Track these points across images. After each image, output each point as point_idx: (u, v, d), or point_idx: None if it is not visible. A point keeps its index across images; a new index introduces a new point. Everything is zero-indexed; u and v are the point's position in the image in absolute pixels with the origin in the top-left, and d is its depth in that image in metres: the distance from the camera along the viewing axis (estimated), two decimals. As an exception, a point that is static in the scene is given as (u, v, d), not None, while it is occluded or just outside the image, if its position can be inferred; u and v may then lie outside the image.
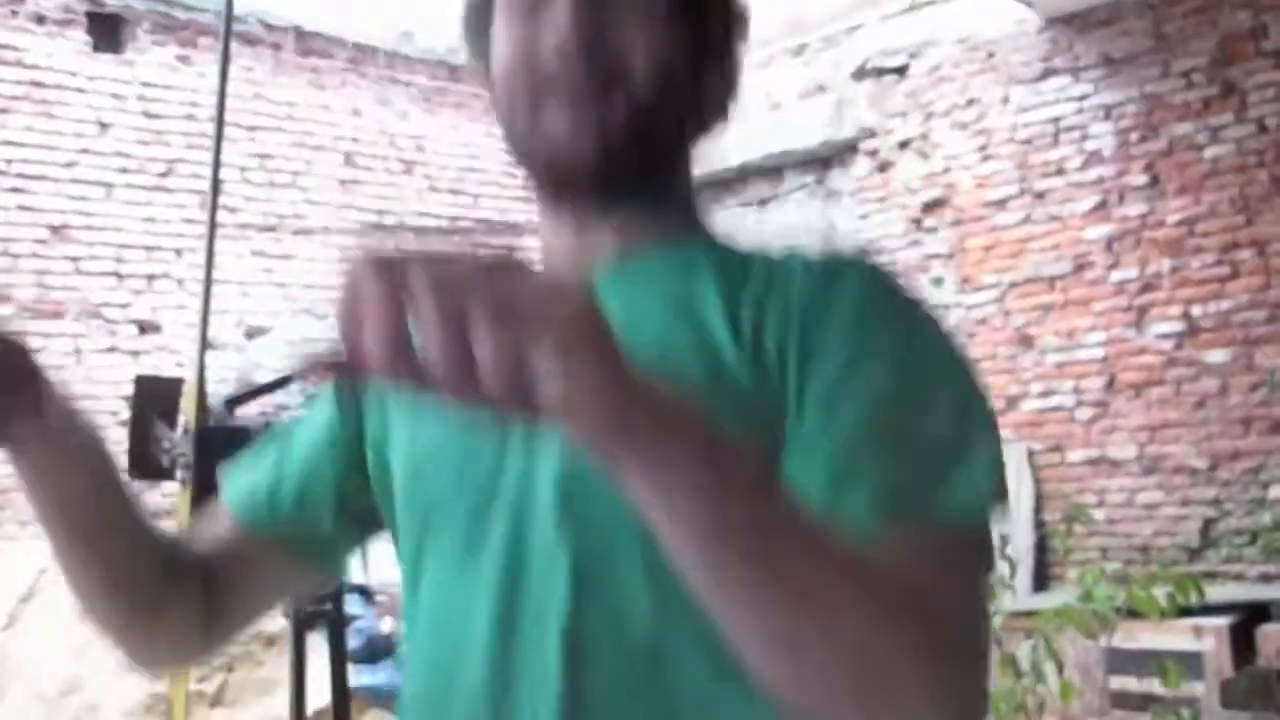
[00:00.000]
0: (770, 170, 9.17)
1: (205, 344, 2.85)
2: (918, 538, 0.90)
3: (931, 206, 8.08)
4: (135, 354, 7.56)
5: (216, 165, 2.94)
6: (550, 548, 1.04)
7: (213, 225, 2.89)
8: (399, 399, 1.14)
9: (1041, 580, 7.25)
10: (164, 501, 7.05)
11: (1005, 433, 7.50)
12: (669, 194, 1.15)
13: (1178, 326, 7.05)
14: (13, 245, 7.31)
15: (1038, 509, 7.35)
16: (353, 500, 1.21)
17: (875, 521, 0.91)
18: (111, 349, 7.56)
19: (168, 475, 3.01)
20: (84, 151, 7.61)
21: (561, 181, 1.11)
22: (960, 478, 0.94)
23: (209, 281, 2.83)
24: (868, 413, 0.96)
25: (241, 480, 1.26)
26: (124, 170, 7.75)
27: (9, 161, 7.34)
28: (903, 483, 0.93)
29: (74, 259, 7.51)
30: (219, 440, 2.74)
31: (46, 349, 7.33)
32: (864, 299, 1.03)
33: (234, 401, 2.94)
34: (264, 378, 5.42)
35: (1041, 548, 7.31)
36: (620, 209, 1.12)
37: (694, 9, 1.12)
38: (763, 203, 9.29)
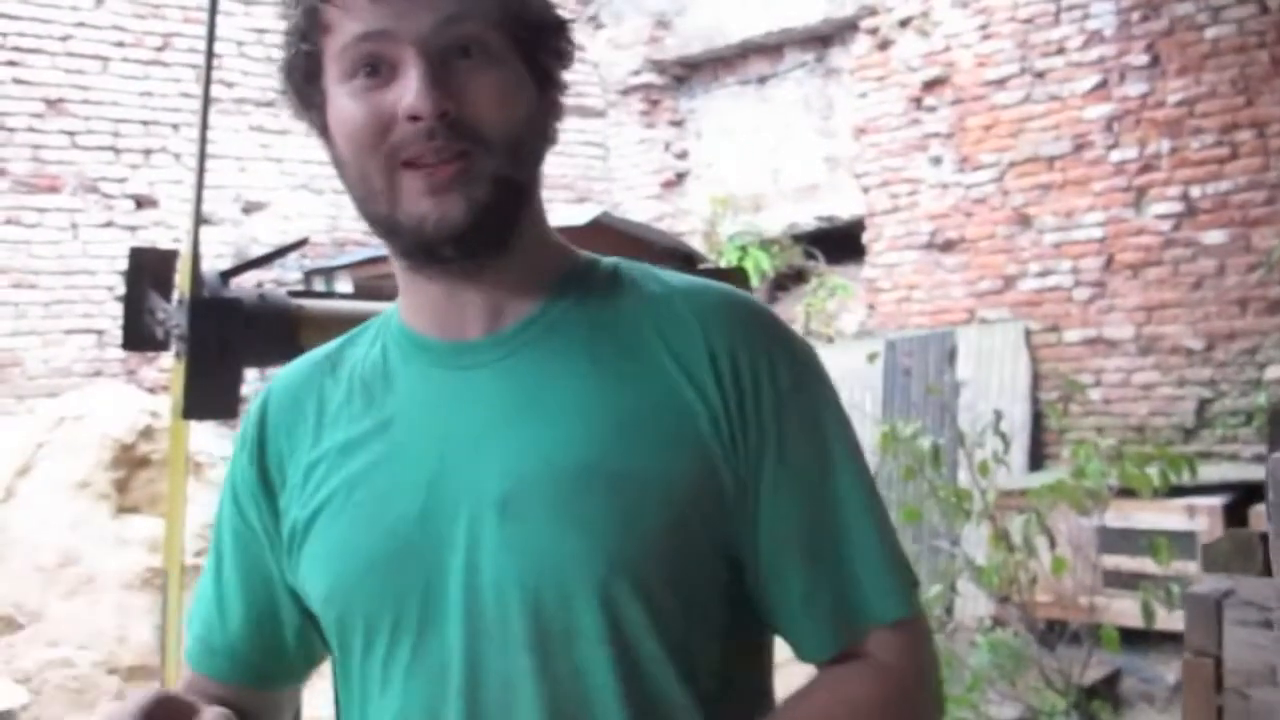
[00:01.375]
0: (770, 48, 9.07)
1: (199, 216, 2.85)
2: (884, 640, 1.14)
3: (931, 85, 8.01)
4: (132, 229, 7.55)
5: (211, 39, 2.91)
6: (513, 669, 1.09)
7: (206, 99, 2.87)
8: (314, 510, 1.18)
9: (1037, 459, 7.32)
10: (161, 377, 7.11)
11: (1003, 311, 7.55)
12: (527, 239, 1.16)
13: (1176, 207, 7.03)
14: (8, 119, 7.26)
15: (1034, 388, 7.40)
16: (299, 617, 1.25)
17: (839, 636, 1.14)
18: (108, 224, 7.55)
19: (162, 346, 3.03)
20: (80, 25, 7.53)
21: (428, 255, 1.12)
22: (896, 583, 1.15)
23: (203, 154, 2.82)
24: (812, 527, 1.13)
25: (205, 644, 1.28)
26: (120, 44, 7.67)
27: (4, 34, 7.27)
28: (854, 597, 1.13)
29: (70, 133, 7.46)
30: (212, 311, 2.75)
31: (42, 224, 7.33)
32: (782, 388, 1.14)
33: (228, 274, 2.94)
34: (261, 252, 5.43)
35: (1037, 427, 7.36)
36: (488, 271, 1.14)
37: (534, 59, 1.13)
38: (762, 80, 9.20)
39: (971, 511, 4.01)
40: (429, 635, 1.11)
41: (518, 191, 1.12)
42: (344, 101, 1.10)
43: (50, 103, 7.39)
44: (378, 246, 7.40)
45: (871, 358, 5.02)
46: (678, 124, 9.74)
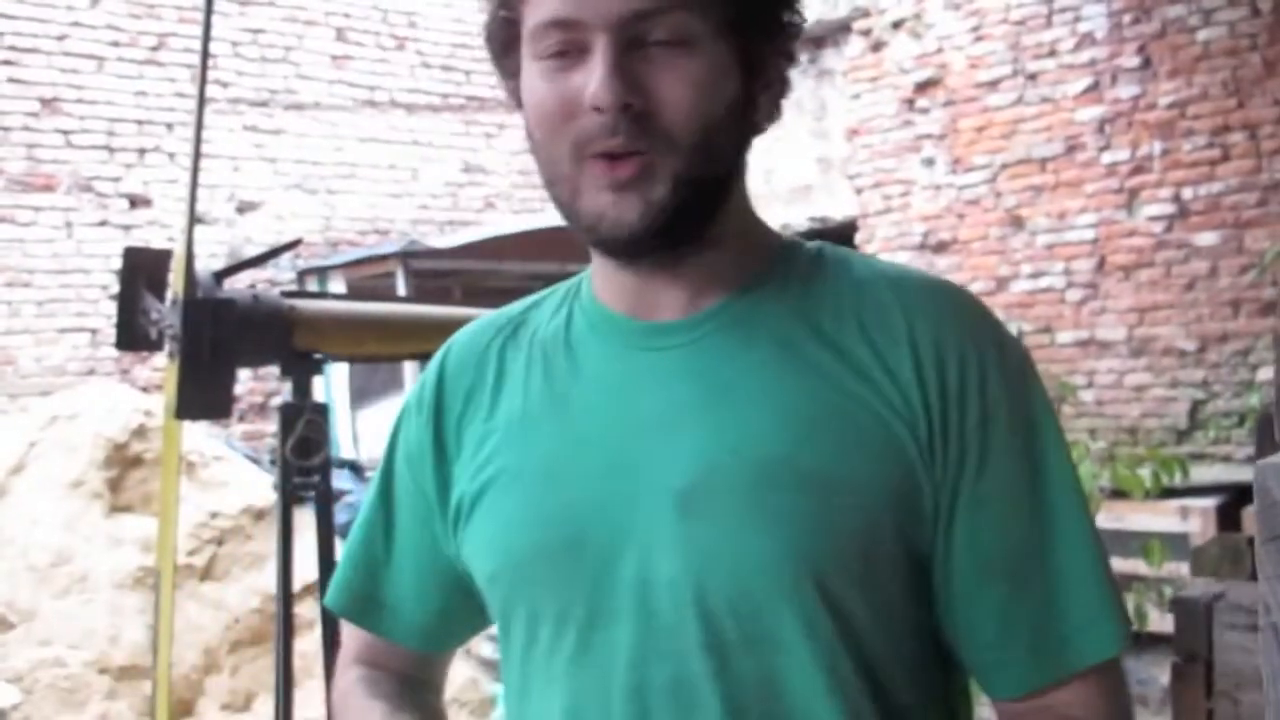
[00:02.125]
0: (765, 48, 9.07)
1: (193, 216, 2.86)
2: (1088, 686, 1.05)
3: (924, 87, 8.03)
4: (126, 228, 7.56)
5: (206, 39, 2.92)
6: (689, 670, 1.04)
7: (201, 99, 2.88)
8: (485, 488, 1.13)
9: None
10: (155, 376, 7.12)
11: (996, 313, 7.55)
12: (728, 226, 1.09)
13: (1168, 209, 7.04)
14: (3, 118, 7.28)
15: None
16: (467, 585, 1.20)
17: (1038, 672, 1.05)
18: (103, 223, 7.56)
19: (156, 346, 3.04)
20: (75, 24, 7.54)
21: (612, 251, 1.07)
22: (1111, 616, 1.05)
23: (197, 154, 2.83)
24: (1018, 559, 1.05)
25: (388, 610, 1.25)
26: (115, 44, 7.68)
27: (0, 34, 7.29)
28: (1061, 631, 1.04)
29: (65, 132, 7.47)
30: (206, 311, 2.76)
31: (37, 222, 7.33)
32: (991, 390, 1.05)
33: (222, 274, 2.95)
34: (254, 252, 5.44)
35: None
36: (683, 261, 1.08)
37: (745, 40, 1.05)
38: (757, 81, 9.20)
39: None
40: (596, 631, 1.05)
41: (707, 189, 1.04)
42: (535, 82, 1.05)
43: (45, 102, 7.40)
44: (371, 246, 7.42)
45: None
46: (672, 125, 9.73)
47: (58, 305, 7.35)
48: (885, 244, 8.21)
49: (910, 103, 8.11)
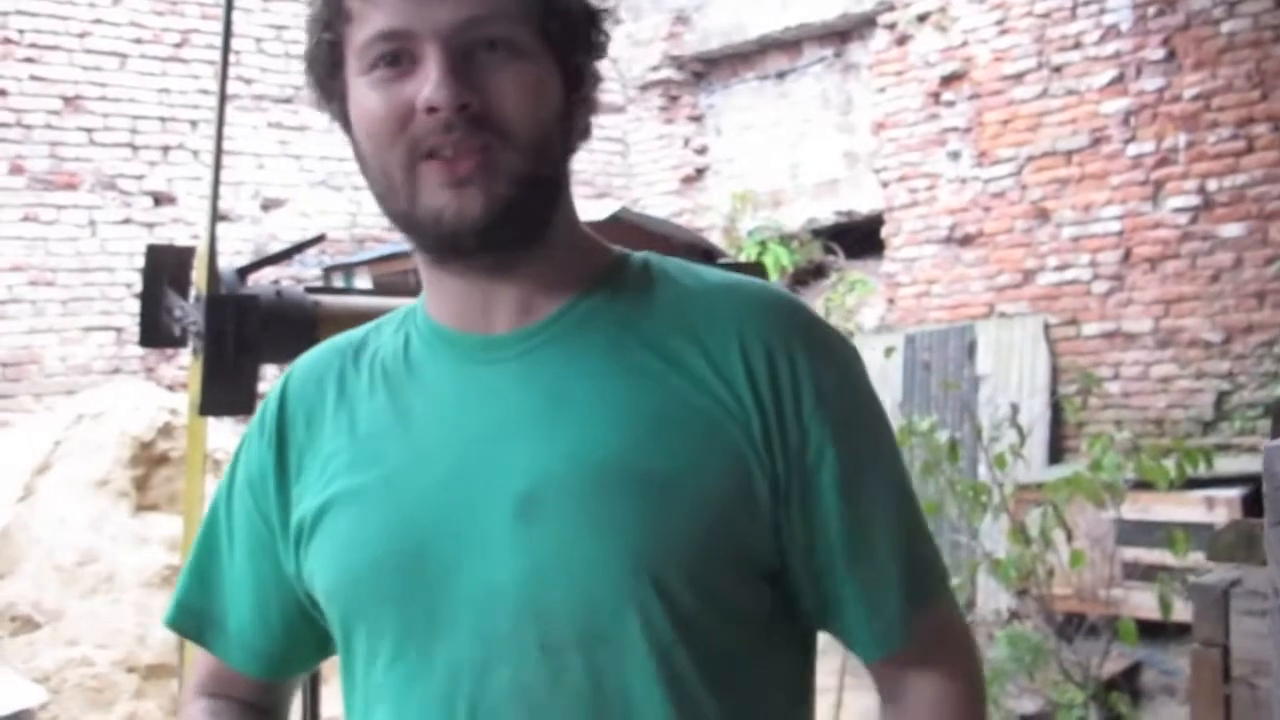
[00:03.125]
0: (788, 43, 9.05)
1: (216, 212, 2.86)
2: (933, 626, 1.17)
3: (949, 80, 7.99)
4: (150, 226, 7.57)
5: (227, 36, 2.92)
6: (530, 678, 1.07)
7: (223, 96, 2.88)
8: (323, 503, 1.16)
9: (1056, 453, 7.29)
10: (179, 374, 7.12)
11: (1022, 305, 7.53)
12: (557, 235, 1.13)
13: (1193, 201, 7.00)
14: (26, 116, 7.28)
15: (1053, 382, 7.37)
16: (309, 611, 1.22)
17: (893, 638, 1.15)
18: (126, 220, 7.57)
19: (180, 343, 3.04)
20: (97, 21, 7.54)
21: (447, 249, 1.10)
22: (936, 559, 1.19)
23: (219, 151, 2.83)
24: (867, 520, 1.13)
25: (214, 627, 1.27)
26: (138, 40, 7.69)
27: (22, 31, 7.29)
28: (915, 584, 1.15)
29: (88, 130, 7.48)
30: (229, 308, 2.76)
31: (60, 221, 7.36)
32: (822, 384, 1.11)
33: (245, 270, 2.95)
34: (279, 249, 5.44)
35: (1056, 421, 7.34)
36: (515, 268, 1.11)
37: (564, 54, 1.10)
38: (780, 76, 9.19)
39: (989, 505, 3.99)
40: (437, 641, 1.08)
41: (543, 188, 1.08)
42: (364, 93, 1.07)
43: (68, 100, 7.41)
44: (397, 243, 7.39)
45: (888, 352, 5.00)
46: (697, 119, 9.73)
47: (82, 304, 7.36)
48: (911, 237, 8.18)
49: (936, 96, 8.07)
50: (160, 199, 7.69)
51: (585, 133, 1.14)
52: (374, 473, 1.12)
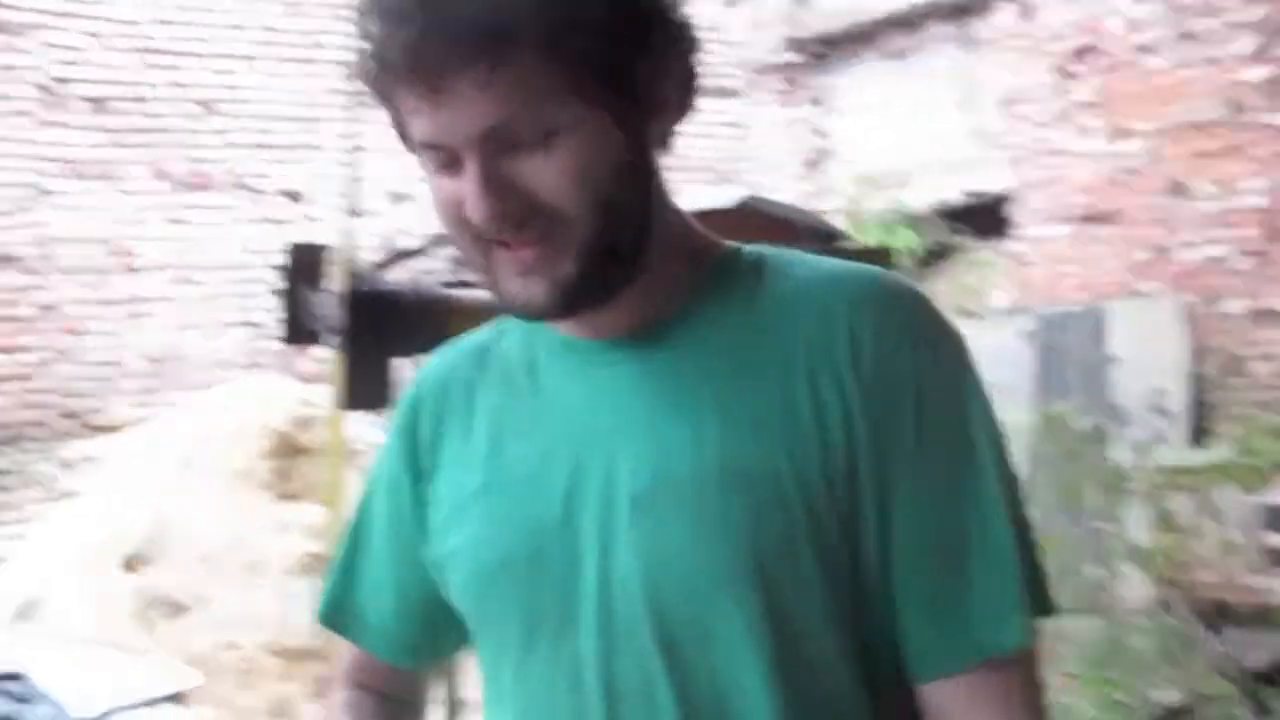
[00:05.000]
0: (910, 21, 8.93)
1: (352, 210, 2.92)
2: (997, 678, 1.10)
3: (1079, 53, 7.79)
4: (283, 223, 7.73)
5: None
6: (648, 670, 1.09)
7: (355, 95, 2.93)
8: (454, 503, 1.21)
9: (1199, 436, 7.10)
10: (316, 367, 7.28)
11: (1159, 284, 7.34)
12: (658, 253, 1.12)
13: (1341, 172, 6.77)
14: (165, 120, 7.49)
15: (1194, 363, 7.18)
16: (449, 605, 1.25)
17: (955, 657, 1.09)
18: (262, 219, 7.75)
19: (319, 339, 3.10)
20: (230, 26, 7.72)
21: (538, 320, 1.12)
22: (1017, 611, 1.10)
23: (352, 150, 2.88)
24: (945, 545, 1.10)
25: (358, 621, 1.34)
26: (268, 44, 7.85)
27: (158, 39, 7.50)
28: (978, 618, 1.09)
29: (222, 132, 7.67)
30: (368, 304, 2.82)
31: (199, 221, 7.56)
32: (925, 381, 1.10)
33: (381, 266, 3.01)
34: (408, 242, 5.52)
35: (1199, 402, 7.15)
36: (614, 301, 1.11)
37: (608, 95, 1.04)
38: (903, 54, 9.07)
39: (1131, 492, 3.90)
40: (564, 638, 1.12)
41: (618, 244, 1.08)
42: (433, 180, 1.08)
43: (203, 103, 7.60)
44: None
45: (1023, 335, 4.93)
46: (818, 101, 9.65)
47: (223, 300, 7.56)
48: (1041, 216, 8.02)
49: (1064, 70, 7.89)
50: (293, 196, 7.84)
51: (668, 138, 1.12)
52: (501, 474, 1.17)
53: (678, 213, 1.18)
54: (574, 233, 1.05)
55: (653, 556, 1.08)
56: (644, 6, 1.07)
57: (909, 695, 1.13)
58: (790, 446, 1.07)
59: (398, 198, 8.27)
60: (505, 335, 1.25)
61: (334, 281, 2.96)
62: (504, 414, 1.19)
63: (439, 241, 3.40)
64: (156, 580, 6.05)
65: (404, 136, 1.09)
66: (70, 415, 7.19)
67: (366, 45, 1.05)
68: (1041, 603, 1.12)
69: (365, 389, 2.88)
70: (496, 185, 1.02)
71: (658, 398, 1.11)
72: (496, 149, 1.02)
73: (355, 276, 2.85)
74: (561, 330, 1.17)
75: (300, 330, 3.14)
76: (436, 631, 1.31)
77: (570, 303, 1.07)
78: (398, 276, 3.21)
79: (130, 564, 6.19)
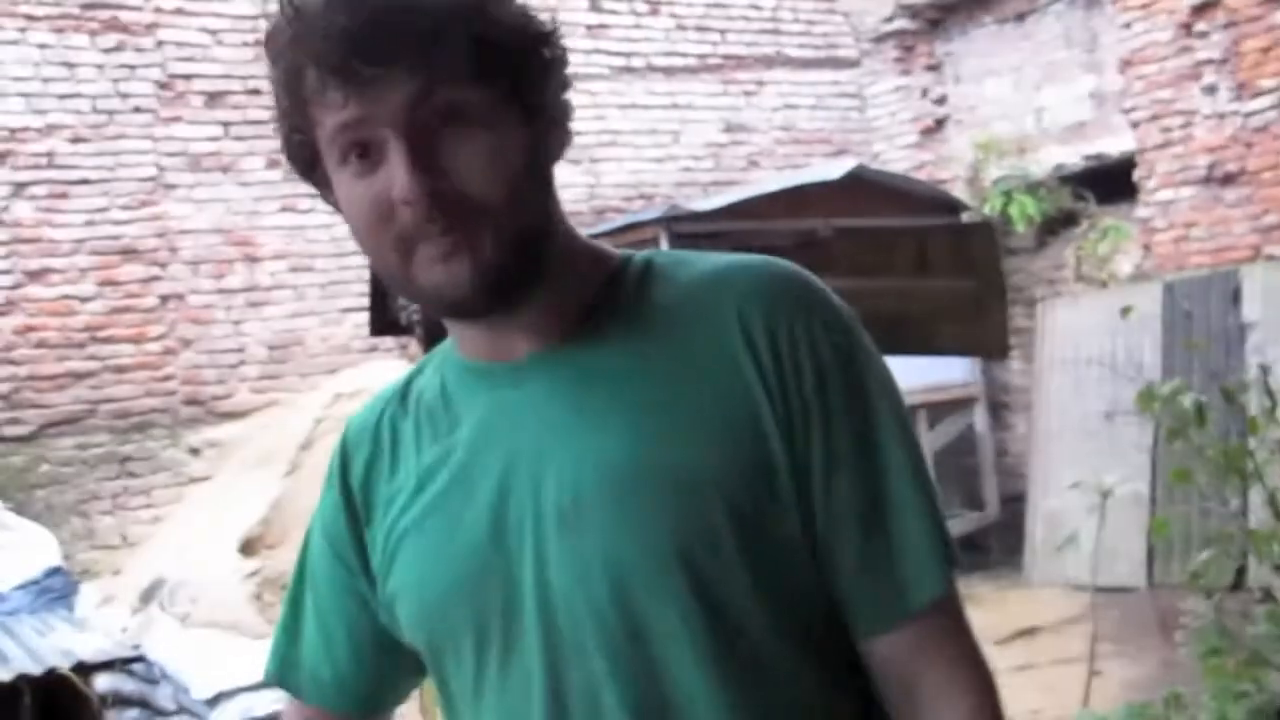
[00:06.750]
0: (1029, -18, 8.73)
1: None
2: (930, 625, 1.17)
3: (1201, 9, 7.53)
4: (398, 208, 7.83)
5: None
6: (594, 673, 1.12)
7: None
8: (396, 533, 1.23)
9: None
10: (409, 355, 7.38)
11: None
12: (556, 264, 1.16)
13: None
14: (266, 112, 7.64)
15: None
16: (399, 643, 1.28)
17: (889, 614, 1.16)
18: (375, 205, 7.87)
19: (408, 331, 3.14)
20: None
21: (458, 316, 1.18)
22: (938, 559, 1.17)
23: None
24: (867, 509, 1.15)
25: (305, 675, 1.33)
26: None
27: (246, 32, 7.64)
28: (903, 576, 1.15)
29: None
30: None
31: (315, 209, 7.68)
32: (821, 359, 1.14)
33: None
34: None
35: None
36: (522, 307, 1.15)
37: (520, 96, 1.12)
38: (1020, 17, 8.86)
39: (1246, 472, 3.75)
40: (512, 650, 1.15)
41: (529, 237, 1.12)
42: (346, 186, 1.11)
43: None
44: (635, 213, 7.51)
45: (1125, 312, 4.75)
46: (934, 68, 9.49)
47: (339, 287, 7.69)
48: (1167, 179, 7.79)
49: (1187, 27, 7.64)
50: (404, 183, 7.95)
51: (563, 146, 1.18)
52: (431, 507, 1.20)
53: (570, 230, 1.21)
54: (492, 220, 1.09)
55: (583, 563, 1.11)
56: (541, 24, 1.15)
57: (856, 663, 1.19)
58: (701, 442, 1.11)
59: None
60: (423, 375, 1.29)
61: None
62: (427, 449, 1.23)
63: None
64: (277, 563, 6.20)
65: (300, 150, 1.13)
66: (195, 402, 7.39)
67: (286, 42, 1.10)
68: (949, 551, 1.18)
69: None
70: (425, 161, 1.07)
71: (569, 411, 1.15)
72: (419, 131, 1.07)
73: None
74: (466, 356, 1.22)
75: (385, 322, 3.18)
76: (389, 673, 1.33)
77: (490, 287, 1.10)
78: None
79: (252, 546, 6.35)
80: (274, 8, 1.10)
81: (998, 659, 1.34)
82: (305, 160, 1.15)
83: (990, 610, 6.24)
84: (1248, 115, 7.36)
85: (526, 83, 1.13)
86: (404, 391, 1.29)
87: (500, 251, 1.09)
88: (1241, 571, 4.81)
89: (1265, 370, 4.00)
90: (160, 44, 7.48)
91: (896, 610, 1.15)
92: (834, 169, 7.99)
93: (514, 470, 1.16)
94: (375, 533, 1.25)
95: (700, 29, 9.32)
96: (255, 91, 7.50)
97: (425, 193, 1.06)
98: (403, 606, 1.22)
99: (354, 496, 1.27)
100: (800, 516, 1.14)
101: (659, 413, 1.13)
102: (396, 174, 1.06)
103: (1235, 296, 7.16)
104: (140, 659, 5.49)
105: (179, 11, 7.51)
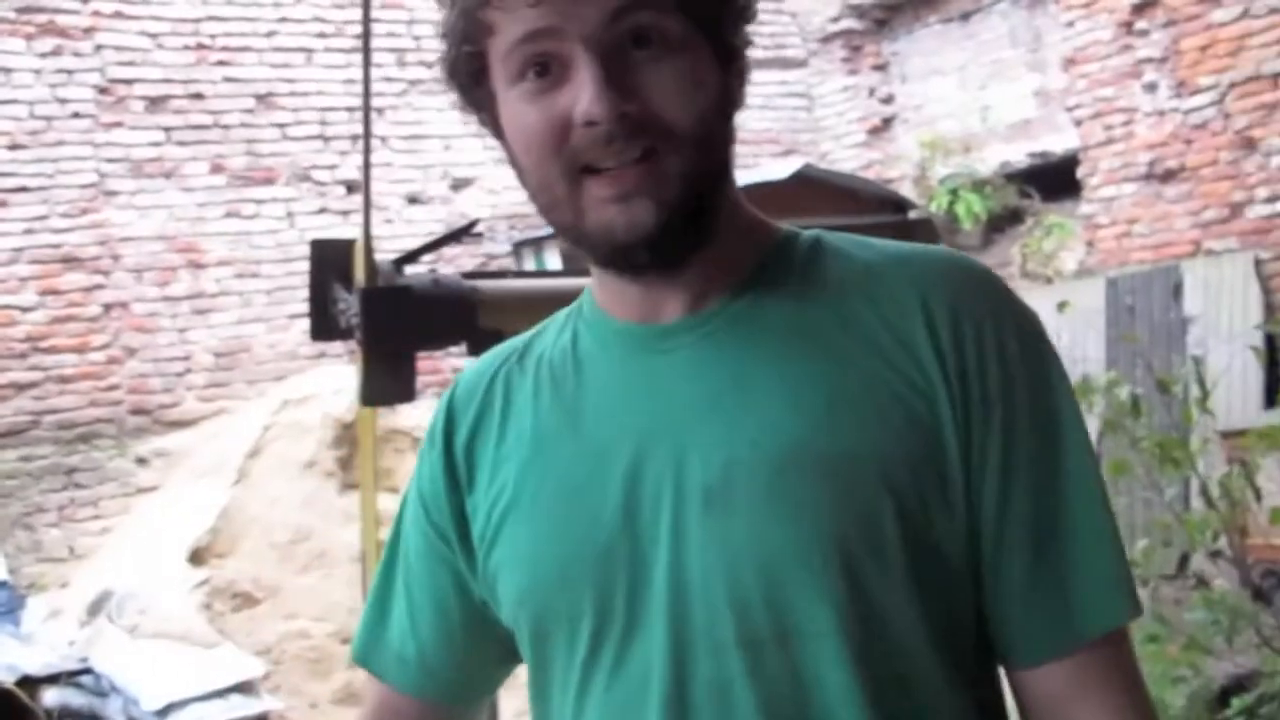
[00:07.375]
0: (971, -19, 8.80)
1: (369, 205, 2.92)
2: (1100, 657, 1.06)
3: (1142, 8, 7.60)
4: (345, 214, 7.80)
5: (366, 23, 2.97)
6: (724, 671, 1.03)
7: (367, 85, 2.93)
8: (504, 509, 1.12)
9: (1272, 396, 6.93)
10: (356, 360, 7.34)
11: (1231, 241, 7.16)
12: (725, 223, 1.08)
13: None
14: (223, 116, 7.58)
15: (1267, 321, 7.00)
16: (493, 626, 1.18)
17: (1058, 643, 1.05)
18: (322, 210, 7.82)
19: (347, 335, 3.11)
20: (283, 20, 7.79)
21: (623, 264, 1.06)
22: (1120, 587, 1.07)
23: (368, 139, 2.88)
24: (1041, 530, 1.05)
25: (389, 654, 1.23)
26: (322, 35, 7.91)
27: (214, 36, 7.59)
28: (1079, 602, 1.05)
29: (281, 125, 7.75)
30: (383, 299, 2.82)
31: (260, 214, 7.64)
32: (1009, 361, 1.05)
33: (402, 261, 3.01)
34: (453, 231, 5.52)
35: (1272, 361, 6.97)
36: (686, 265, 1.06)
37: (716, 34, 1.05)
38: (965, 16, 8.92)
39: (1179, 461, 3.80)
40: (633, 639, 1.05)
41: (712, 183, 1.04)
42: (516, 106, 1.03)
43: (260, 98, 7.68)
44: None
45: (1061, 307, 4.80)
46: (881, 68, 9.53)
47: (285, 293, 7.62)
48: (1109, 176, 7.86)
49: (1128, 26, 7.70)
50: (353, 187, 7.90)
51: (740, 104, 1.10)
52: (551, 474, 1.10)
53: (738, 193, 1.13)
54: (679, 156, 1.01)
55: (729, 550, 1.01)
56: None
57: (996, 681, 1.10)
58: (869, 429, 1.02)
59: (457, 183, 8.31)
60: (546, 334, 1.20)
61: (354, 278, 2.97)
62: (546, 413, 1.13)
63: (460, 235, 3.39)
64: (226, 571, 6.15)
65: (465, 64, 1.06)
66: (141, 411, 7.31)
67: None
68: (1132, 586, 1.09)
69: (384, 384, 2.89)
70: (615, 81, 0.98)
71: (721, 381, 1.05)
72: (610, 51, 0.99)
73: (373, 272, 2.85)
74: (609, 315, 1.13)
75: (327, 326, 3.15)
76: (478, 658, 1.23)
77: (673, 230, 1.01)
78: (443, 268, 3.20)
79: (200, 556, 6.30)
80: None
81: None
82: (470, 74, 1.07)
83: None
84: (1187, 112, 7.43)
85: (727, 22, 1.06)
86: (524, 349, 1.19)
87: (684, 194, 1.01)
88: (1185, 560, 4.87)
89: (1198, 361, 4.06)
90: (99, 48, 7.37)
91: (1067, 637, 1.05)
92: (781, 169, 8.00)
93: (653, 441, 1.06)
94: (478, 499, 1.14)
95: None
96: (198, 96, 7.45)
97: (613, 112, 0.97)
98: (509, 581, 1.11)
99: (456, 459, 1.17)
100: (967, 523, 1.05)
101: (819, 395, 1.03)
102: (583, 91, 0.98)
103: (1177, 291, 7.24)
104: (88, 671, 5.43)
105: (118, 15, 7.41)
